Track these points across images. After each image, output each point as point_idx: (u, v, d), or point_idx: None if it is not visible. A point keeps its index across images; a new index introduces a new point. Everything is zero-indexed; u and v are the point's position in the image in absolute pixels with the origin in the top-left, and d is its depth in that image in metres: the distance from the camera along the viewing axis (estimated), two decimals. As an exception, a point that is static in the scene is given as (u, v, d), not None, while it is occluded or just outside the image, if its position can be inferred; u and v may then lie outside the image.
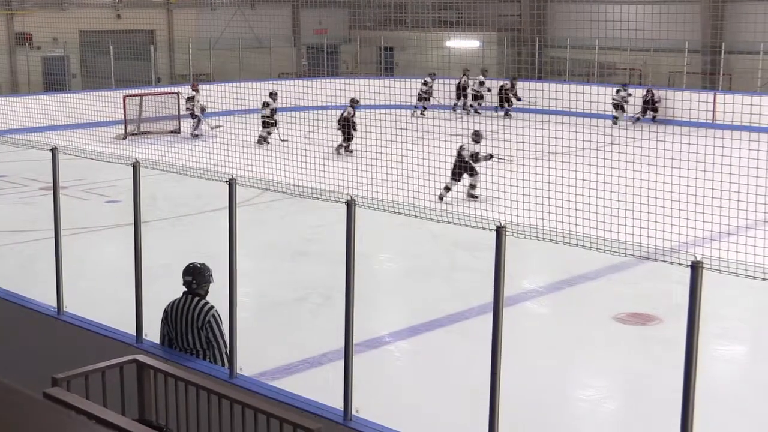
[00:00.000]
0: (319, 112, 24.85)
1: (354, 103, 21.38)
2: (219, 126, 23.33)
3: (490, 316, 5.47)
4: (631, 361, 9.38)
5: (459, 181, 16.27)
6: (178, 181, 14.75)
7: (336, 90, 21.74)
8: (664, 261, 11.29)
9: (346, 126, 21.16)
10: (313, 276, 11.90)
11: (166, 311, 7.00)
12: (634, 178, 14.79)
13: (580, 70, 30.61)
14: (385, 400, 7.62)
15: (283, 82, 26.41)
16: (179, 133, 24.11)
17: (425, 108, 28.49)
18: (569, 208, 12.10)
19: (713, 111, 24.62)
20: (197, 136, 23.73)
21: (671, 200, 13.29)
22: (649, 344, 9.70)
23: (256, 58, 31.47)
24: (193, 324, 6.82)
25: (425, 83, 28.75)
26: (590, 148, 17.44)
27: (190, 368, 6.43)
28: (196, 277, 6.93)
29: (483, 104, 28.87)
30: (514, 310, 10.08)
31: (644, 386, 8.58)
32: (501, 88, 28.59)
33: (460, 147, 16.35)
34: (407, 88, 26.57)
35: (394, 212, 7.20)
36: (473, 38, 33.01)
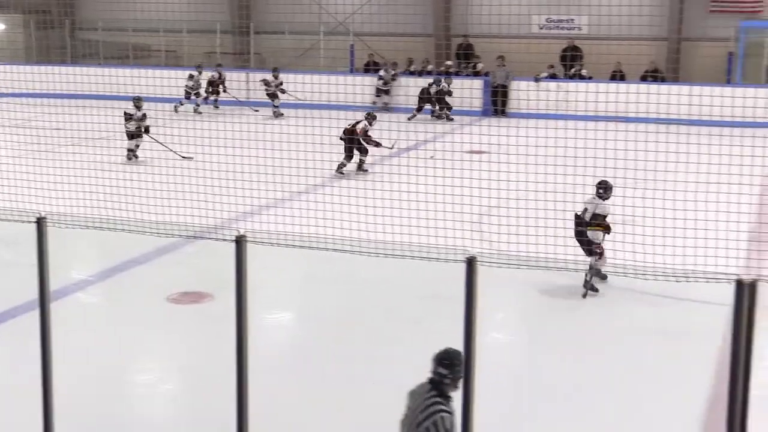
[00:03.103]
0: None
1: (371, 117, 17.49)
2: None
3: (38, 312, 5.28)
4: (186, 340, 9.52)
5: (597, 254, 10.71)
6: None
7: None
8: (210, 238, 11.58)
9: (356, 140, 17.27)
10: None
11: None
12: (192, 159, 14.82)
13: (114, 53, 30.10)
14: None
15: None
16: None
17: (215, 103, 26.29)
18: (111, 194, 11.96)
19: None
20: None
21: (212, 179, 13.64)
22: (203, 321, 9.89)
23: None
24: (415, 416, 5.15)
25: (191, 77, 25.87)
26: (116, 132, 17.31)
27: None
28: (452, 369, 5.01)
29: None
30: (64, 303, 9.76)
31: (200, 362, 8.76)
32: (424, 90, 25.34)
33: (584, 210, 10.89)
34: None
35: None
36: (-3, 21, 31.13)
